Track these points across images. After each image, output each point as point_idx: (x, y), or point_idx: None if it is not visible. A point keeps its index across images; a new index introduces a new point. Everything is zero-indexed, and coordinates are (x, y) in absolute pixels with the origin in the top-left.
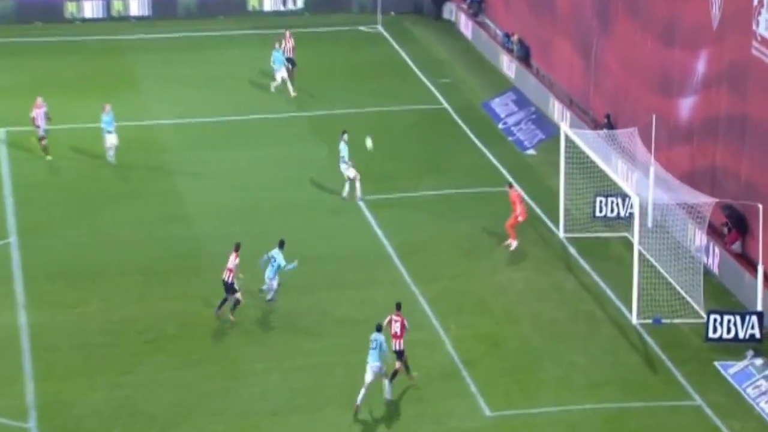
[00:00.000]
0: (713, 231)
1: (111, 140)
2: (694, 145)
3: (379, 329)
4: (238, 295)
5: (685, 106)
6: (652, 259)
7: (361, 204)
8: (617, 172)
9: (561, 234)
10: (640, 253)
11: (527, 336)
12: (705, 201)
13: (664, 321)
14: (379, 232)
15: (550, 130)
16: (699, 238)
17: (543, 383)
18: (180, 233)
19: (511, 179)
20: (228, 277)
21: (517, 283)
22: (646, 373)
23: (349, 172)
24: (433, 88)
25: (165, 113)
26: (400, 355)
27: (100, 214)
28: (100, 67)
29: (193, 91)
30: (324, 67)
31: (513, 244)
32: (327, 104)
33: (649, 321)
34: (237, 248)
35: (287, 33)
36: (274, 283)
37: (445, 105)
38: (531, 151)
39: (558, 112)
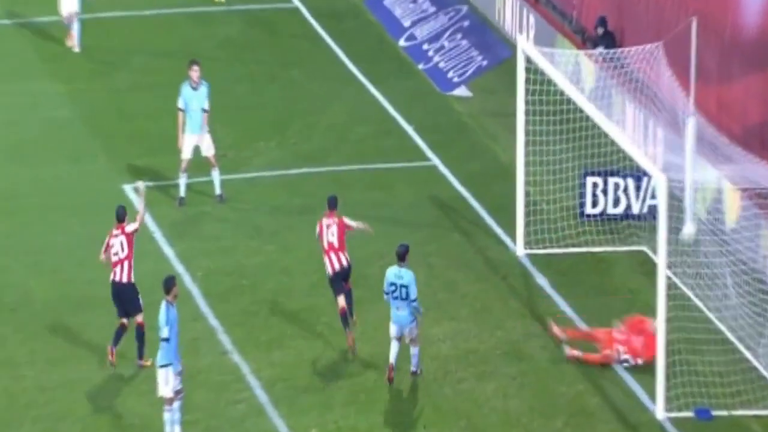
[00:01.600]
0: None
1: None
2: None
3: (401, 257)
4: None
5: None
6: (691, 295)
7: (134, 198)
8: (625, 127)
9: (519, 251)
10: (669, 283)
11: None
12: None
13: (715, 413)
14: (168, 252)
15: (499, 50)
16: None
17: None
18: None
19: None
20: (120, 275)
21: (438, 348)
22: None
23: (205, 143)
24: None
25: None
26: (345, 276)
27: None
28: None
29: None
30: None
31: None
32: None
33: (689, 414)
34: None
35: None
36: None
37: (297, 3)
38: (461, 91)
39: (512, 16)
